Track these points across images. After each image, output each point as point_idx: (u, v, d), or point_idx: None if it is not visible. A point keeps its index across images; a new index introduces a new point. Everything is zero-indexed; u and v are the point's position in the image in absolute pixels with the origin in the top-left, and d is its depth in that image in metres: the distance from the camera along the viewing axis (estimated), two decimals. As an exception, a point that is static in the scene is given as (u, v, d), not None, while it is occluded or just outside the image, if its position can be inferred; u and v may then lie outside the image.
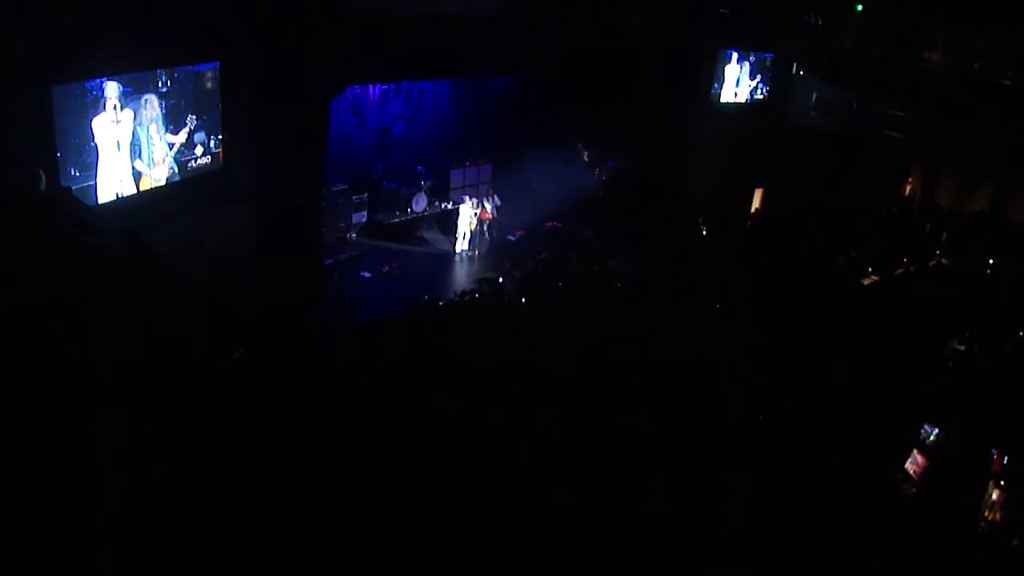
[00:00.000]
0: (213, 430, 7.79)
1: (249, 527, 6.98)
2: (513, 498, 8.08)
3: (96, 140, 9.99)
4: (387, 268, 17.36)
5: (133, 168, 10.79)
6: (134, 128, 10.60)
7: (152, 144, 11.00)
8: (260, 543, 6.88)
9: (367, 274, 17.01)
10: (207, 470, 7.33)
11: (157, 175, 11.22)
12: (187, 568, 6.33)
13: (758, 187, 22.93)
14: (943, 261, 19.20)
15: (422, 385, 10.19)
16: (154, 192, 11.17)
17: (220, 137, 12.09)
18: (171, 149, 11.35)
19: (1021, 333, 13.99)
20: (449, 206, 19.38)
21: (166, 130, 11.21)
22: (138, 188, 10.94)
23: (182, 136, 11.50)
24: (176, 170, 11.52)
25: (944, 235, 21.06)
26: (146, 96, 10.75)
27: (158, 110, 10.97)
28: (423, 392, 9.99)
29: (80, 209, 9.17)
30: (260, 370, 9.26)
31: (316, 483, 7.83)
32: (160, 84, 10.88)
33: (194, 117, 11.62)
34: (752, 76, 21.45)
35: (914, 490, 9.19)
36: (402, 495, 7.86)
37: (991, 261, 18.46)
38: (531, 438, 9.22)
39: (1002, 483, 8.67)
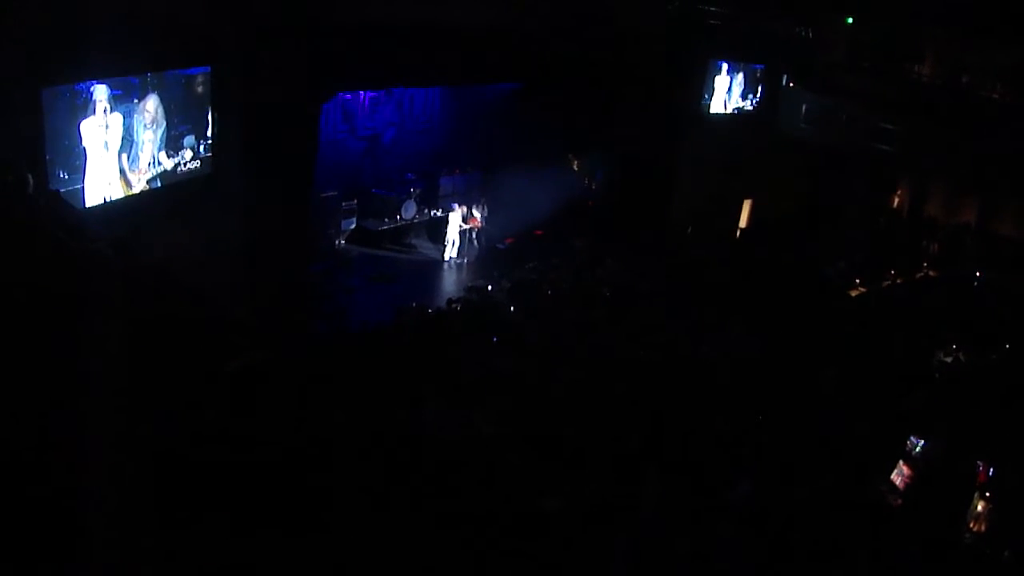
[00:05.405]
0: (209, 436, 7.78)
1: (247, 530, 6.98)
2: (503, 504, 8.09)
3: (84, 143, 9.95)
4: (375, 274, 17.32)
5: (121, 169, 10.75)
6: (128, 126, 10.56)
7: (142, 146, 10.96)
8: (257, 547, 6.88)
9: (356, 281, 16.97)
10: (205, 475, 7.32)
11: (139, 178, 11.18)
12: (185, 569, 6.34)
13: (747, 198, 23.01)
14: (930, 273, 19.28)
15: (411, 393, 10.17)
16: (142, 196, 11.12)
17: (210, 141, 12.07)
18: (159, 152, 11.34)
19: (1007, 345, 14.07)
20: (438, 213, 19.38)
21: (166, 135, 11.19)
22: (129, 188, 10.91)
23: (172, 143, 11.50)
24: (157, 176, 11.48)
25: (932, 247, 21.17)
26: (148, 96, 10.74)
27: (154, 112, 10.94)
28: (412, 400, 9.98)
29: (70, 213, 9.12)
30: (255, 376, 9.25)
31: (312, 486, 7.84)
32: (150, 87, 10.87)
33: (186, 124, 11.60)
34: (742, 87, 21.52)
35: (900, 501, 9.22)
36: (393, 501, 7.86)
37: (978, 273, 18.56)
38: (520, 445, 9.22)
39: (987, 494, 8.71)
